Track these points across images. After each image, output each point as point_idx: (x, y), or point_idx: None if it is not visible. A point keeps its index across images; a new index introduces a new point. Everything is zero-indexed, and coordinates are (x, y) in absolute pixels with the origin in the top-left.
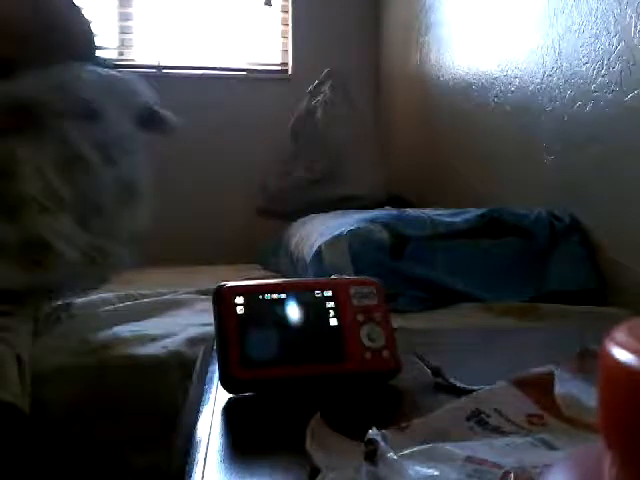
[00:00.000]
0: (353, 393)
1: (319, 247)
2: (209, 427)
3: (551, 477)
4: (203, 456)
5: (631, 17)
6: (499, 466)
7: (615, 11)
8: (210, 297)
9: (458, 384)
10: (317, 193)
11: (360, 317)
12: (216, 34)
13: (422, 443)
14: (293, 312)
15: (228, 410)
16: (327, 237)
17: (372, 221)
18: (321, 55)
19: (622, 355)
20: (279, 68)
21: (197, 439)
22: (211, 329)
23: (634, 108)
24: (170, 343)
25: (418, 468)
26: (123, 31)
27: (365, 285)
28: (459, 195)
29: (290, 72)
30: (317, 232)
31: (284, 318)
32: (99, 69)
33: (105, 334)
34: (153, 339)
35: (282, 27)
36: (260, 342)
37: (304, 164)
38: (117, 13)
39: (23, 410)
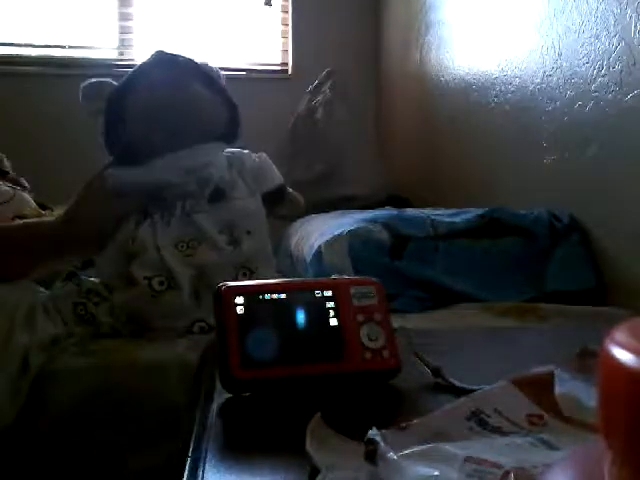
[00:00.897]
0: (353, 393)
1: (319, 247)
2: (209, 427)
3: (551, 477)
4: (203, 456)
5: (631, 17)
6: (499, 466)
7: (615, 11)
8: None
9: (458, 384)
10: (317, 193)
11: (360, 317)
12: (216, 34)
13: (422, 443)
14: (293, 312)
15: (228, 410)
16: (327, 237)
17: (372, 221)
18: (321, 55)
19: (622, 355)
20: (279, 68)
21: (197, 439)
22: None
23: (634, 108)
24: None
25: (418, 468)
26: (123, 31)
27: (365, 285)
28: (459, 195)
29: (290, 72)
30: (317, 232)
31: (284, 318)
32: (232, 149)
33: None
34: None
35: (282, 27)
36: (260, 342)
37: (304, 164)
38: (117, 13)
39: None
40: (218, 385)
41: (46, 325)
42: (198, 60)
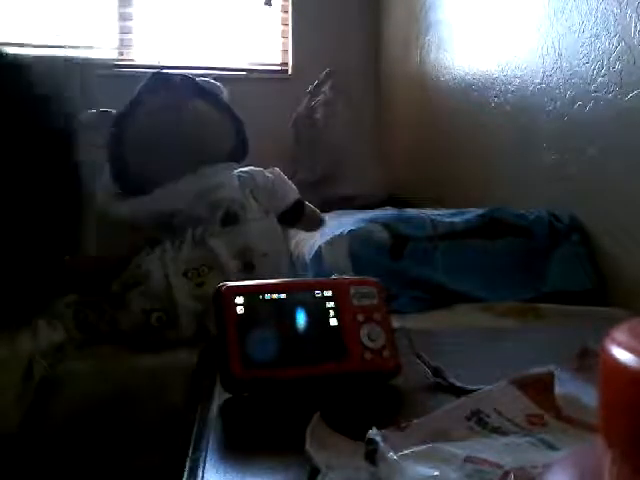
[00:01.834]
0: (353, 393)
1: (319, 247)
2: (209, 427)
3: (551, 477)
4: (203, 456)
5: (631, 17)
6: (499, 466)
7: (615, 11)
8: None
9: (458, 384)
10: (317, 193)
11: (360, 317)
12: (216, 34)
13: (422, 443)
14: (293, 312)
15: (228, 410)
16: (327, 237)
17: (372, 221)
18: (321, 55)
19: (622, 355)
20: (279, 68)
21: (197, 439)
22: None
23: (634, 108)
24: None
25: (418, 468)
26: (123, 31)
27: (365, 285)
28: (459, 195)
29: (290, 72)
30: (317, 232)
31: (284, 318)
32: (243, 167)
33: None
34: None
35: (282, 27)
36: (260, 342)
37: (304, 165)
38: (117, 13)
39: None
40: (218, 385)
41: (48, 332)
42: (198, 77)
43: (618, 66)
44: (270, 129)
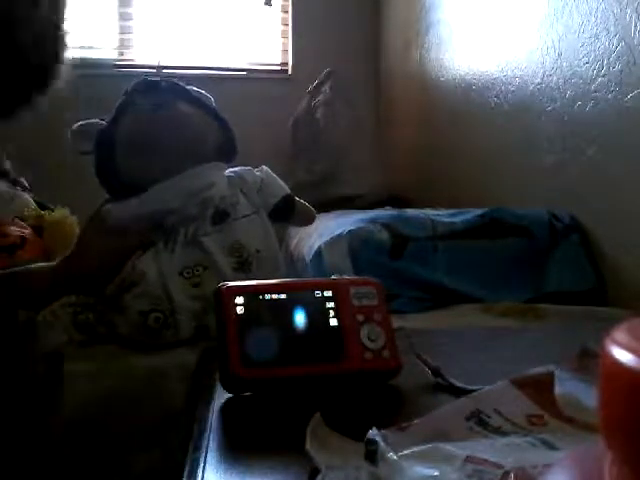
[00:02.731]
0: (353, 393)
1: (319, 247)
2: (208, 427)
3: (551, 477)
4: (203, 456)
5: (631, 17)
6: (499, 466)
7: (615, 11)
8: None
9: (458, 384)
10: (317, 193)
11: (360, 317)
12: (216, 34)
13: (422, 443)
14: (293, 312)
15: (228, 410)
16: (327, 237)
17: (372, 221)
18: (321, 55)
19: (622, 355)
20: (279, 68)
21: (197, 439)
22: None
23: (634, 108)
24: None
25: (418, 468)
26: (123, 31)
27: (365, 285)
28: (459, 195)
29: (290, 72)
30: (317, 232)
31: (284, 318)
32: (232, 169)
33: None
34: None
35: (282, 27)
36: (260, 342)
37: (304, 165)
38: (117, 13)
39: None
40: (218, 385)
41: (47, 333)
42: (197, 77)
43: (618, 66)
44: (270, 129)
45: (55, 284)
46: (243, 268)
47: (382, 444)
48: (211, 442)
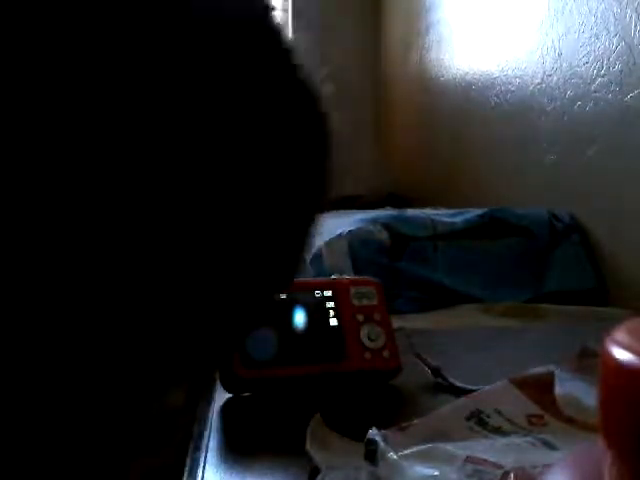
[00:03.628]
0: (353, 393)
1: (319, 247)
2: (209, 427)
3: (551, 477)
4: (203, 456)
5: (631, 17)
6: (499, 466)
7: (615, 11)
8: None
9: (458, 384)
10: None
11: (360, 317)
12: None
13: (422, 443)
14: (293, 312)
15: (228, 410)
16: (327, 237)
17: (372, 221)
18: (321, 55)
19: (622, 355)
20: None
21: (196, 439)
22: None
23: (634, 108)
24: None
25: (418, 468)
26: None
27: (365, 285)
28: (459, 195)
29: None
30: (317, 232)
31: (284, 318)
32: None
33: None
34: None
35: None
36: (260, 342)
37: None
38: None
39: None
40: (218, 385)
41: None
42: None
43: (618, 66)
44: None
45: None
46: None
47: (382, 444)
48: (211, 442)
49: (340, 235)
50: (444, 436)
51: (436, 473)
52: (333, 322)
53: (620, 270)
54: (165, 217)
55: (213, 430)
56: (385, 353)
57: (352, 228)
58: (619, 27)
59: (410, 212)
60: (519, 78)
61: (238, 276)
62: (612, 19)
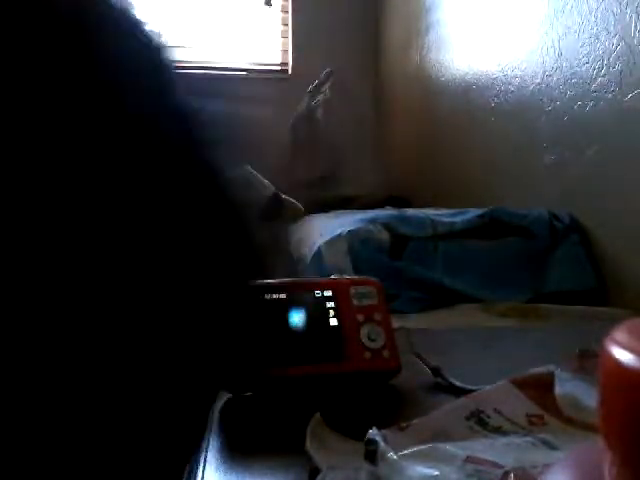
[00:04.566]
0: (353, 393)
1: (319, 247)
2: (209, 427)
3: (551, 477)
4: (203, 456)
5: (631, 17)
6: (499, 466)
7: (615, 11)
8: None
9: (458, 384)
10: (317, 193)
11: (360, 317)
12: (216, 34)
13: (422, 443)
14: (293, 312)
15: (228, 410)
16: (327, 237)
17: (372, 221)
18: (321, 55)
19: (622, 355)
20: (279, 68)
21: None
22: None
23: (634, 108)
24: None
25: (418, 468)
26: None
27: (365, 285)
28: (459, 195)
29: (290, 72)
30: (317, 232)
31: (284, 318)
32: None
33: None
34: None
35: (282, 27)
36: (260, 342)
37: (304, 165)
38: None
39: None
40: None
41: None
42: (199, 77)
43: (618, 66)
44: (270, 129)
45: None
46: None
47: (382, 444)
48: (211, 442)
49: (340, 235)
50: (444, 436)
51: (436, 473)
52: (333, 322)
53: (620, 270)
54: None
55: (213, 430)
56: (385, 353)
57: (352, 228)
58: (619, 27)
59: (410, 212)
60: (519, 78)
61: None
62: (612, 19)
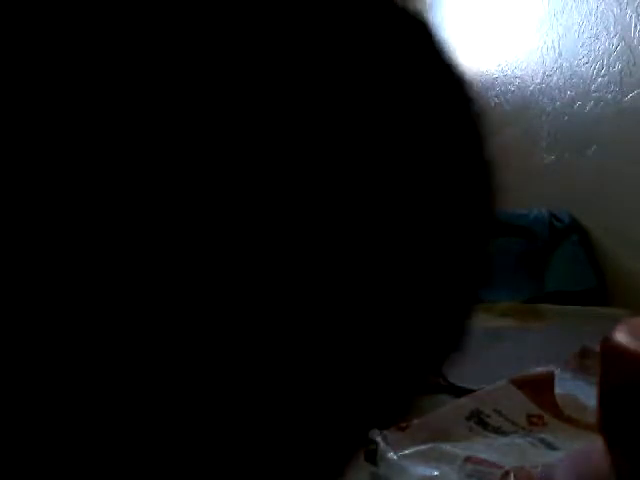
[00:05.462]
0: None
1: None
2: None
3: (551, 477)
4: None
5: (631, 17)
6: (499, 466)
7: (615, 11)
8: None
9: (458, 384)
10: None
11: None
12: None
13: (422, 443)
14: None
15: None
16: None
17: None
18: None
19: (622, 354)
20: None
21: None
22: None
23: (634, 108)
24: None
25: (418, 468)
26: None
27: None
28: None
29: None
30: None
31: None
32: None
33: None
34: None
35: None
36: None
37: None
38: None
39: None
40: None
41: None
42: None
43: (618, 66)
44: None
45: None
46: None
47: (382, 444)
48: None
49: None
50: (444, 436)
51: (436, 473)
52: None
53: (620, 270)
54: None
55: None
56: None
57: None
58: (619, 27)
59: None
60: (519, 78)
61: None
62: (612, 19)
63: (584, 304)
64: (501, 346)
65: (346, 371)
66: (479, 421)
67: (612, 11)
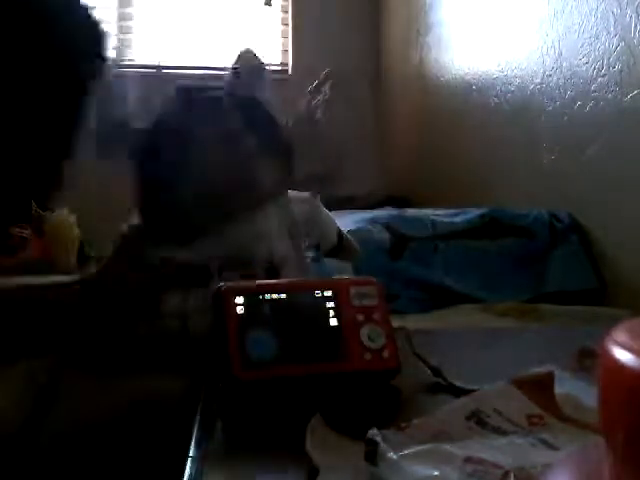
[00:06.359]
0: (353, 393)
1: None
2: (209, 427)
3: (551, 477)
4: (203, 456)
5: (631, 17)
6: (499, 466)
7: (615, 11)
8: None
9: (458, 384)
10: (317, 193)
11: (360, 317)
12: (216, 34)
13: (422, 443)
14: (293, 312)
15: (228, 410)
16: None
17: (372, 221)
18: (321, 55)
19: (622, 355)
20: (279, 68)
21: (197, 439)
22: None
23: (634, 108)
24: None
25: (418, 468)
26: (123, 31)
27: (365, 285)
28: (459, 195)
29: (290, 72)
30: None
31: (284, 318)
32: (286, 205)
33: None
34: None
35: (282, 27)
36: (260, 342)
37: (304, 165)
38: (117, 13)
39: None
40: (218, 386)
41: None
42: (200, 78)
43: (618, 66)
44: None
45: (83, 300)
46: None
47: (382, 444)
48: (211, 442)
49: None
50: (444, 436)
51: (436, 473)
52: (333, 322)
53: (620, 270)
54: None
55: (213, 430)
56: (385, 353)
57: (352, 228)
58: (619, 27)
59: (410, 212)
60: (519, 78)
61: None
62: (612, 19)
63: (584, 304)
64: (501, 346)
65: None
66: (479, 421)
67: (612, 11)
